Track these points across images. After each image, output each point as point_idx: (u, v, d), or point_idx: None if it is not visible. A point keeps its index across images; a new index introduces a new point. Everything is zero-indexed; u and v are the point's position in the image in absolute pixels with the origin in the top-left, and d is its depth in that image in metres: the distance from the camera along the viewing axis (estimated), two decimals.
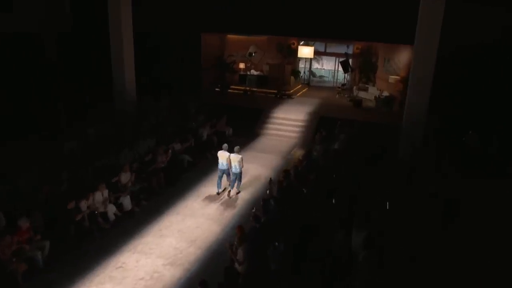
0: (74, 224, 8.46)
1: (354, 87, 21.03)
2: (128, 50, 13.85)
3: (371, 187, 9.38)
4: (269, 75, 21.08)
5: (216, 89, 20.88)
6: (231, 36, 21.82)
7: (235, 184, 10.99)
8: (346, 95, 20.31)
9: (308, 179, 9.94)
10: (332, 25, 18.14)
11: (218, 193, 11.01)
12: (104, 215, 9.27)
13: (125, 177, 10.13)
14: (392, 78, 18.68)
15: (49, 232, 8.06)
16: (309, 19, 18.37)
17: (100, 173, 10.05)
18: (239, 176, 10.95)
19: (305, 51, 22.56)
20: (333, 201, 8.38)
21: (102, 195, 9.31)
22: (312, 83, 24.28)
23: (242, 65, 21.01)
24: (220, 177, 11.03)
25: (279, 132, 16.24)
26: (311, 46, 22.90)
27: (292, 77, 21.88)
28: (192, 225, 9.58)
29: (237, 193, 11.12)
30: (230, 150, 11.07)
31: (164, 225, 9.54)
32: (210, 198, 10.90)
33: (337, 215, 7.94)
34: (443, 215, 8.93)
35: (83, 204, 8.76)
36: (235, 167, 10.77)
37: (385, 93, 19.18)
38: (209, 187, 11.50)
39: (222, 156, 10.93)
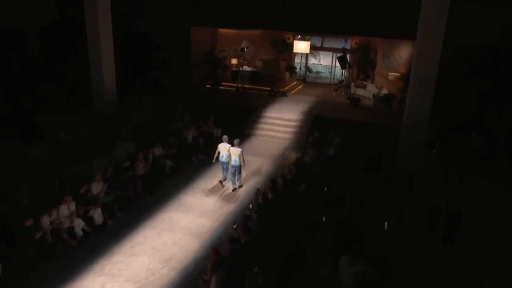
0: (33, 243, 7.57)
1: (352, 84, 20.05)
2: (106, 47, 12.84)
3: (367, 201, 8.47)
4: (262, 71, 20.10)
5: (207, 86, 19.94)
6: (223, 30, 20.80)
7: (236, 178, 10.89)
8: (343, 93, 19.34)
9: (298, 189, 9.04)
10: (329, 19, 17.17)
11: (221, 184, 11.12)
12: (71, 230, 8.38)
13: (97, 187, 9.23)
14: (392, 75, 17.73)
15: (1, 254, 7.17)
16: (305, 12, 17.37)
17: (69, 182, 9.13)
18: (238, 169, 10.83)
19: (301, 46, 21.51)
20: (323, 219, 7.46)
21: (68, 208, 8.42)
22: (308, 79, 23.29)
23: (234, 61, 20.01)
24: (223, 169, 11.22)
25: (271, 133, 15.32)
26: (307, 40, 21.87)
27: (287, 73, 20.88)
28: (168, 240, 8.69)
29: (239, 186, 11.04)
30: (230, 143, 10.95)
31: (137, 241, 8.65)
32: (191, 208, 10.02)
33: (327, 240, 7.06)
34: (444, 232, 8.05)
35: (45, 220, 7.86)
36: (234, 161, 10.65)
37: (384, 91, 18.22)
38: (191, 196, 10.63)
39: (223, 148, 10.89)
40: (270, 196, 8.50)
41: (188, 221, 9.45)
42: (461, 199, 9.03)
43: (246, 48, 18.44)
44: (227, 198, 10.60)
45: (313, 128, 15.20)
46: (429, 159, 10.87)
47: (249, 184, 11.32)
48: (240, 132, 15.34)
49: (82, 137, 11.15)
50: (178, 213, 9.84)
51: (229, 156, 10.65)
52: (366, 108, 17.48)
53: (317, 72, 24.75)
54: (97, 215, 8.92)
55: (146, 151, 11.00)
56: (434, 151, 11.08)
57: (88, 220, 8.80)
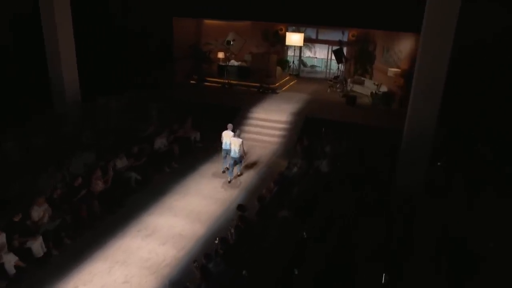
0: None
1: (349, 80, 18.46)
2: (65, 40, 11.14)
3: (358, 240, 6.99)
4: (251, 66, 18.50)
5: (192, 82, 18.39)
6: (209, 21, 19.16)
7: (235, 168, 10.82)
8: (338, 90, 17.76)
9: (277, 216, 7.58)
10: (324, 9, 15.54)
11: (223, 171, 11.12)
12: (1, 267, 6.96)
13: (37, 212, 7.78)
14: (392, 70, 16.14)
15: None
16: (298, 2, 15.72)
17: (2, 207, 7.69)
18: (238, 160, 10.74)
19: (294, 39, 19.88)
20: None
21: None
22: (303, 74, 21.67)
23: (221, 55, 18.40)
24: (225, 157, 11.04)
25: (257, 137, 13.80)
26: (301, 32, 20.22)
27: (278, 68, 19.28)
28: (119, 278, 7.27)
29: (239, 175, 11.02)
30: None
31: (82, 279, 7.22)
32: (155, 232, 8.58)
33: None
34: (451, 271, 6.60)
35: None
36: (234, 152, 10.51)
37: (383, 88, 16.65)
38: (157, 216, 9.18)
39: (227, 135, 10.88)
40: (240, 228, 7.04)
41: (148, 251, 8.01)
42: (474, 228, 7.57)
43: (233, 41, 16.85)
44: (199, 218, 9.15)
45: (304, 131, 13.75)
46: (433, 173, 9.37)
47: (224, 203, 9.85)
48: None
49: (33, 148, 9.66)
50: (137, 239, 8.39)
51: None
52: (363, 107, 15.94)
53: (312, 66, 23.10)
54: (36, 246, 7.47)
55: (105, 164, 9.54)
56: (439, 163, 9.57)
57: (26, 252, 7.37)
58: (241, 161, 10.83)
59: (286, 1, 15.74)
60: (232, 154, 10.44)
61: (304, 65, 22.60)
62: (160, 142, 11.33)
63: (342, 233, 7.18)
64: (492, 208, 8.90)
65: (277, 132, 13.87)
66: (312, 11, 15.85)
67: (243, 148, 10.60)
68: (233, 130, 10.85)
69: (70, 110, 11.43)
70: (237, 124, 14.30)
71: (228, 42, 16.94)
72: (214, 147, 12.92)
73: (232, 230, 6.92)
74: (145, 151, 10.98)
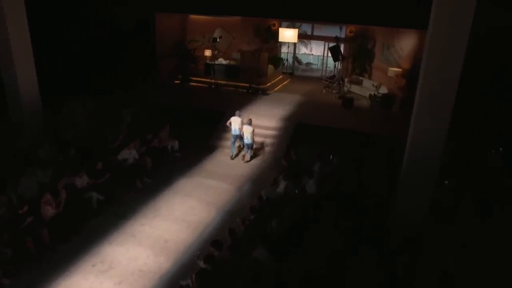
0: None
1: (346, 80, 17.11)
2: (19, 36, 9.71)
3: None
4: (241, 65, 17.14)
5: (176, 81, 17.07)
6: (195, 17, 17.76)
7: (248, 152, 11.51)
8: (334, 90, 16.41)
9: (251, 255, 6.30)
10: (320, 3, 14.15)
11: (232, 158, 11.69)
12: None
13: None
14: (392, 70, 14.77)
15: None
16: None
17: None
18: (251, 146, 11.46)
19: (288, 35, 18.54)
20: None
21: None
22: (297, 73, 20.31)
23: (208, 52, 17.03)
24: (233, 142, 11.67)
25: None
26: (296, 28, 18.85)
27: (270, 67, 17.92)
28: None
29: (250, 158, 11.57)
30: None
31: None
32: (112, 267, 7.32)
33: None
34: None
35: None
36: (247, 138, 11.25)
37: (383, 89, 15.30)
38: (117, 245, 7.91)
39: (235, 121, 11.43)
40: (208, 265, 5.77)
41: None
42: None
43: (219, 38, 15.49)
44: (166, 248, 7.88)
45: (294, 138, 12.46)
46: (440, 193, 8.06)
47: (198, 227, 8.57)
48: (203, 144, 12.61)
49: None
50: (91, 276, 7.13)
51: (242, 131, 11.27)
52: (361, 110, 14.60)
53: (308, 64, 21.77)
54: None
55: (55, 184, 8.26)
56: (446, 182, 8.26)
57: None
58: (252, 147, 11.48)
59: None
60: (246, 141, 11.27)
61: (299, 62, 21.27)
62: (128, 154, 10.02)
63: (330, 276, 5.91)
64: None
65: (265, 140, 12.55)
66: (307, 5, 14.47)
67: (253, 136, 11.30)
68: (240, 116, 11.57)
69: (28, 118, 10.13)
70: (221, 131, 13.05)
71: (214, 40, 15.58)
72: (194, 157, 11.69)
73: (194, 278, 5.64)
74: (111, 166, 9.69)
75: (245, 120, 11.38)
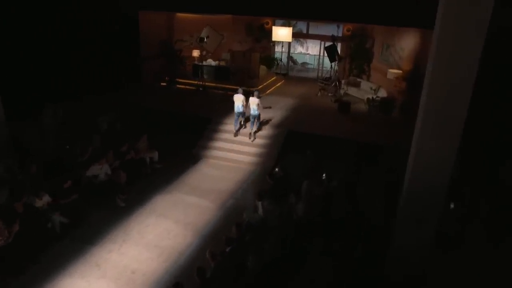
0: None
1: (343, 81, 16.09)
2: None
3: None
4: (231, 66, 16.12)
5: (162, 84, 16.07)
6: (182, 15, 16.72)
7: (254, 124, 11.65)
8: (329, 94, 15.39)
9: None
10: (317, 1, 13.14)
11: (235, 134, 11.89)
12: None
13: None
14: (392, 72, 13.75)
15: None
16: None
17: None
18: (258, 117, 11.60)
19: (282, 33, 17.50)
20: None
21: None
22: (292, 73, 19.30)
23: (196, 53, 15.99)
24: (237, 120, 11.86)
25: (228, 155, 11.53)
26: (290, 26, 17.82)
27: (263, 67, 16.91)
28: None
29: (256, 132, 11.75)
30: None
31: None
32: None
33: None
34: None
35: None
36: (253, 110, 11.41)
37: (382, 92, 14.29)
38: (77, 278, 6.94)
39: (238, 99, 11.59)
40: None
41: None
42: None
43: (206, 37, 14.47)
44: (132, 282, 6.92)
45: (284, 148, 11.47)
46: (447, 219, 7.06)
47: (170, 255, 7.60)
48: (187, 154, 11.65)
49: None
50: None
51: (247, 106, 11.54)
52: (358, 115, 13.57)
53: (304, 64, 20.72)
54: None
55: (13, 207, 7.30)
56: (452, 205, 7.26)
57: None
58: (259, 119, 11.70)
59: None
60: (252, 112, 11.43)
61: (295, 62, 20.24)
62: (99, 170, 9.05)
63: None
64: None
65: (253, 150, 11.57)
66: (301, 3, 13.45)
67: (261, 107, 11.55)
68: (242, 93, 11.76)
69: None
70: (207, 139, 12.08)
71: (201, 39, 14.54)
72: (176, 169, 10.72)
73: None
74: (80, 183, 8.73)
75: (242, 95, 11.66)
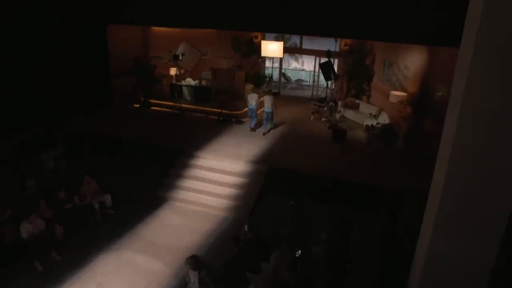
0: None
1: (339, 103, 14.20)
2: None
3: None
4: (213, 86, 14.29)
5: (136, 105, 14.27)
6: (159, 29, 14.95)
7: (268, 121, 12.09)
8: (323, 118, 13.48)
9: None
10: (310, 14, 11.12)
11: (251, 129, 12.23)
12: None
13: None
14: (395, 95, 11.81)
15: None
16: (276, 4, 11.30)
17: None
18: (270, 116, 12.04)
19: (272, 48, 15.68)
20: None
21: None
22: (284, 92, 17.45)
23: (173, 71, 14.18)
24: (251, 116, 12.20)
25: (198, 198, 9.62)
26: (282, 40, 16.04)
27: (250, 86, 15.07)
28: None
29: (269, 130, 12.14)
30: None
31: None
32: None
33: None
34: None
35: None
36: (267, 107, 11.94)
37: (383, 117, 12.38)
38: None
39: (252, 97, 12.12)
40: None
41: None
42: None
43: (182, 55, 12.68)
44: None
45: (265, 189, 9.57)
46: None
47: None
48: (150, 195, 9.76)
49: None
50: None
51: (260, 103, 12.15)
52: (356, 145, 11.64)
53: (298, 81, 18.84)
54: None
55: None
56: None
57: None
58: (272, 118, 12.18)
59: (260, 4, 11.30)
60: (266, 109, 11.94)
61: (288, 79, 18.36)
62: (30, 229, 7.18)
63: None
64: None
65: (227, 191, 9.66)
66: (293, 16, 11.48)
67: (275, 105, 12.22)
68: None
69: None
70: (176, 176, 10.21)
71: (176, 57, 12.74)
72: (132, 216, 8.84)
73: None
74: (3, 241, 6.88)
75: (256, 94, 12.31)
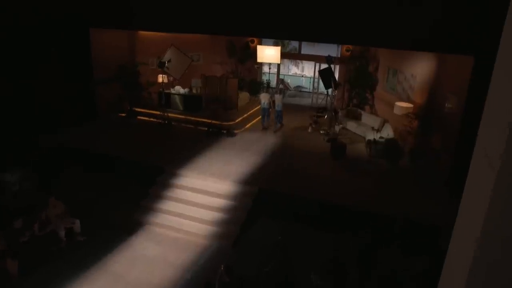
0: None
1: (340, 113, 13.15)
2: None
3: None
4: (205, 94, 13.31)
5: (121, 114, 13.33)
6: (146, 33, 13.99)
7: (278, 121, 12.71)
8: (322, 131, 12.42)
9: None
10: (310, 18, 10.06)
11: (264, 128, 12.61)
12: None
13: None
14: (400, 106, 10.71)
15: None
16: (274, 8, 10.23)
17: None
18: (281, 114, 12.60)
19: (269, 54, 14.69)
20: None
21: None
22: (283, 99, 16.32)
23: (160, 78, 13.18)
24: (263, 115, 12.61)
25: (178, 222, 8.61)
26: (279, 45, 15.03)
27: (245, 94, 14.08)
28: None
29: (280, 127, 12.67)
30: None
31: None
32: None
33: None
34: None
35: None
36: (278, 106, 12.52)
37: (387, 130, 11.30)
38: None
39: (264, 97, 12.56)
40: None
41: None
42: None
43: (168, 62, 11.70)
44: None
45: (253, 214, 8.56)
46: None
47: None
48: (125, 220, 8.78)
49: None
50: None
51: (273, 102, 12.59)
52: (356, 161, 10.57)
53: (298, 87, 17.79)
54: None
55: None
56: None
57: None
58: (281, 115, 12.65)
59: (257, 8, 10.21)
60: (277, 108, 12.47)
61: (286, 86, 17.31)
62: None
63: None
64: None
65: (211, 215, 8.64)
66: (291, 20, 10.41)
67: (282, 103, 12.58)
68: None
69: None
70: (154, 198, 9.22)
71: (161, 64, 11.76)
72: (103, 245, 7.87)
73: None
74: None
75: (268, 94, 12.95)
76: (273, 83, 16.29)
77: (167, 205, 8.99)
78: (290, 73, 17.82)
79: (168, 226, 8.55)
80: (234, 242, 8.01)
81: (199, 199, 8.95)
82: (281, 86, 16.66)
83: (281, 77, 16.78)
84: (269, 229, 8.31)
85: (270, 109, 12.59)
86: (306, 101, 16.59)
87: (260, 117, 12.96)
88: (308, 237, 8.13)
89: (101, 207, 9.08)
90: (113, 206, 9.11)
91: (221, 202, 8.84)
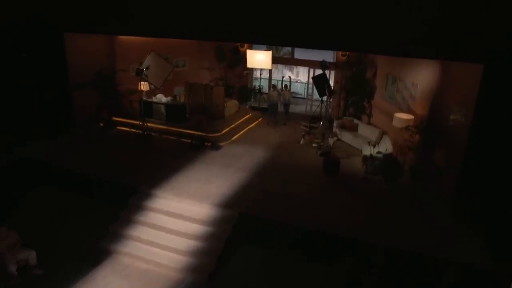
0: None
1: (334, 123, 12.18)
2: None
3: None
4: (189, 103, 12.35)
5: (101, 124, 12.40)
6: (128, 38, 13.01)
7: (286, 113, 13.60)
8: (315, 144, 11.45)
9: None
10: (304, 23, 8.93)
11: (274, 123, 13.07)
12: None
13: None
14: (400, 118, 9.70)
15: None
16: (266, 13, 9.12)
17: None
18: (287, 107, 13.55)
19: (259, 59, 13.75)
20: None
21: None
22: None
23: (144, 86, 12.20)
24: (270, 111, 13.12)
25: (149, 252, 7.64)
26: (270, 50, 14.08)
27: (234, 102, 13.13)
28: None
29: (284, 124, 13.15)
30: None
31: None
32: None
33: None
34: None
35: None
36: (284, 100, 13.39)
37: (386, 143, 10.33)
38: None
39: (272, 94, 13.16)
40: None
41: None
42: None
43: (146, 69, 10.73)
44: None
45: (231, 243, 7.61)
46: None
47: None
48: (90, 247, 7.84)
49: None
50: None
51: (279, 98, 13.26)
52: (351, 179, 9.59)
53: (292, 93, 16.77)
54: None
55: None
56: None
57: None
58: (288, 109, 13.56)
59: (248, 13, 9.13)
60: (284, 102, 13.32)
61: (279, 93, 16.30)
62: None
63: None
64: None
65: (186, 244, 7.67)
66: (283, 25, 9.31)
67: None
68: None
69: None
70: (125, 222, 8.27)
71: (139, 71, 10.79)
72: (63, 279, 6.93)
73: None
74: None
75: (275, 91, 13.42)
76: (265, 89, 15.30)
77: (138, 231, 8.03)
78: (284, 79, 16.77)
79: (138, 256, 7.58)
80: (210, 276, 7.05)
81: (173, 224, 7.99)
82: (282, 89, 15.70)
83: (273, 83, 15.76)
84: (251, 260, 7.36)
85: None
86: (301, 108, 15.62)
87: (257, 119, 12.05)
88: (295, 269, 7.20)
89: (66, 232, 8.15)
90: (79, 232, 8.17)
91: (197, 228, 7.88)
